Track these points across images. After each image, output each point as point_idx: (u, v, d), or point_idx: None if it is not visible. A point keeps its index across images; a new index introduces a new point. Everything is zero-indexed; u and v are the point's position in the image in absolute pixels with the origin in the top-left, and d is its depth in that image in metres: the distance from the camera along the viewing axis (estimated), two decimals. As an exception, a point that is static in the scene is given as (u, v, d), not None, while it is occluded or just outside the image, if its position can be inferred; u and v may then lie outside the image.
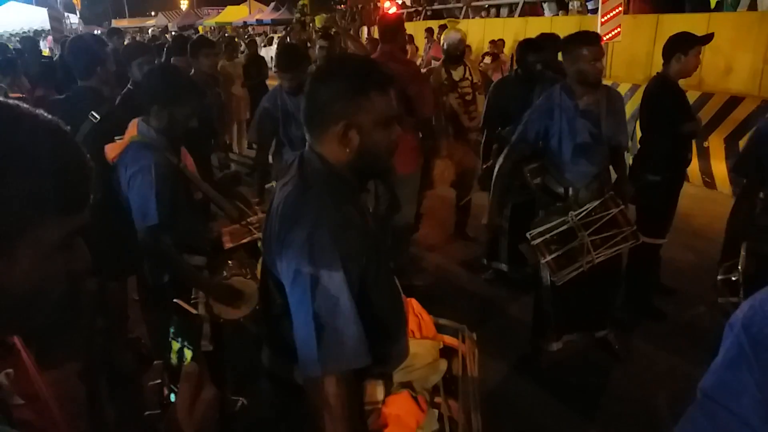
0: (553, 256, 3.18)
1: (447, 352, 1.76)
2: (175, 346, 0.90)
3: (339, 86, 1.45)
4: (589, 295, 3.44)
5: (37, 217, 0.69)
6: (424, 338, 1.70)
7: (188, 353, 0.88)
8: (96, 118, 3.02)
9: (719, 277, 2.43)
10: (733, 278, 2.28)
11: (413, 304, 1.78)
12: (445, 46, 4.94)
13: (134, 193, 2.45)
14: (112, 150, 2.59)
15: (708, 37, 3.73)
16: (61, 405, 0.86)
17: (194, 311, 0.90)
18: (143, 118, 2.57)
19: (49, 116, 0.73)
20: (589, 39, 3.23)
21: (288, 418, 1.58)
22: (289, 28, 7.29)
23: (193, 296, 2.55)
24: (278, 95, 4.11)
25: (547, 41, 4.93)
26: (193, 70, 4.68)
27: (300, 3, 7.79)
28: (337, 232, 1.37)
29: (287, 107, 4.04)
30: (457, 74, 4.88)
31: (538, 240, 3.21)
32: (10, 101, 0.71)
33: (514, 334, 3.82)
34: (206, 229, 2.76)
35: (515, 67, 4.65)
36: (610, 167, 3.52)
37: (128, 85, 3.95)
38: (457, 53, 4.90)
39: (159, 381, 0.93)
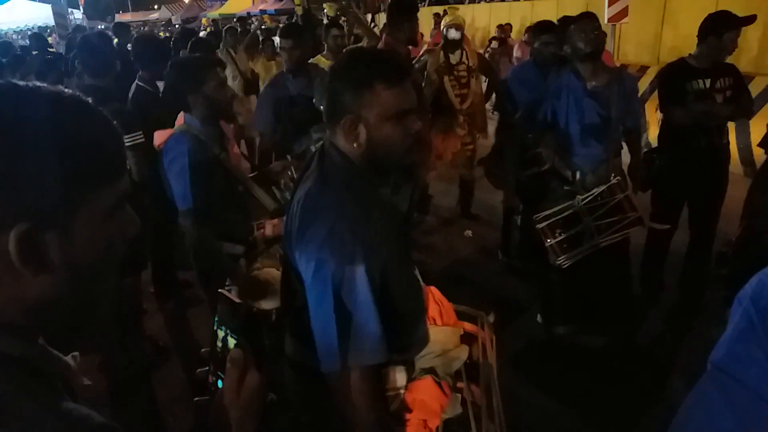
0: (557, 239, 3.22)
1: (467, 338, 1.78)
2: (220, 334, 0.93)
3: (346, 79, 1.45)
4: (599, 283, 3.42)
5: (84, 190, 0.71)
6: (445, 325, 1.72)
7: (231, 341, 0.91)
8: None
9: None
10: (723, 250, 2.31)
11: (434, 292, 1.80)
12: (444, 32, 4.99)
13: (173, 178, 2.54)
14: (159, 137, 2.71)
15: (750, 19, 3.42)
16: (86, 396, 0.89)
17: (237, 300, 0.92)
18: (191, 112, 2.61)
19: (69, 91, 0.75)
20: (576, 17, 3.36)
21: (314, 405, 1.60)
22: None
23: (227, 284, 2.57)
24: (280, 80, 4.04)
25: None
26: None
27: None
28: (358, 227, 1.38)
29: (288, 89, 3.97)
30: (454, 58, 4.93)
31: (544, 223, 3.25)
32: (30, 84, 0.72)
33: (527, 319, 3.84)
34: (248, 219, 2.75)
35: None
36: (622, 152, 3.53)
37: (137, 82, 3.93)
38: (456, 39, 4.95)
39: (207, 368, 0.96)
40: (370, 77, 1.41)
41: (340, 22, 5.85)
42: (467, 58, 4.97)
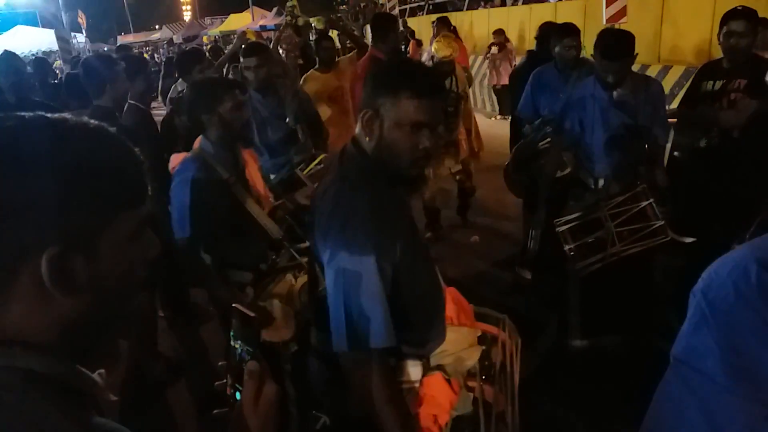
0: (576, 243, 3.15)
1: (488, 340, 1.80)
2: (236, 347, 0.96)
3: (380, 77, 1.60)
4: (619, 293, 3.24)
5: (110, 215, 0.75)
6: (461, 325, 1.75)
7: (248, 353, 0.94)
8: None
9: None
10: None
11: (453, 293, 1.86)
12: (432, 62, 4.89)
13: (173, 204, 2.52)
14: (174, 160, 2.75)
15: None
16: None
17: (251, 314, 0.95)
18: (205, 133, 2.58)
19: (94, 121, 0.79)
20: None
21: (335, 391, 1.66)
22: (279, 35, 6.70)
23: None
24: (249, 100, 3.73)
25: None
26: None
27: (289, 4, 7.14)
28: (369, 222, 1.48)
29: (259, 111, 3.83)
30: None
31: (564, 227, 3.20)
32: (57, 115, 0.76)
33: (542, 327, 3.72)
34: (257, 246, 2.68)
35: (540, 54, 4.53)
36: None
37: (128, 100, 3.89)
38: (444, 69, 4.80)
39: (224, 381, 1.00)
40: (398, 83, 1.53)
41: (329, 34, 5.76)
42: (456, 85, 4.84)
